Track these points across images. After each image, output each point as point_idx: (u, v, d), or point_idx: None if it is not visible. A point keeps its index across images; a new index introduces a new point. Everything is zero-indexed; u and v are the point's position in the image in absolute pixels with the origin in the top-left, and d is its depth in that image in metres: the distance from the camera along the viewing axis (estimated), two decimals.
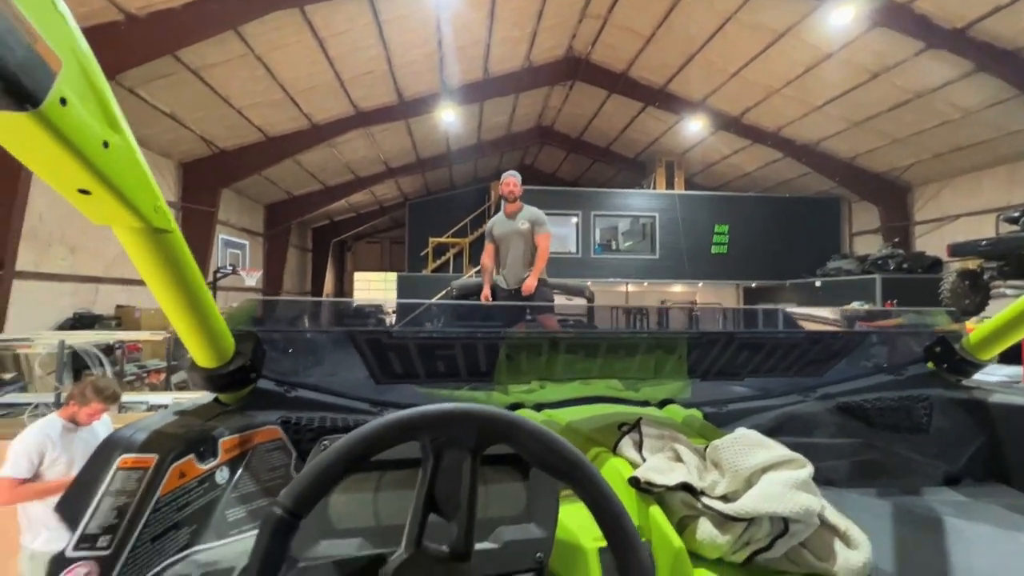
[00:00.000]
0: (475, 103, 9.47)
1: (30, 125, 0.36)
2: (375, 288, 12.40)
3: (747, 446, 0.74)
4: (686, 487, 0.72)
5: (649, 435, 0.86)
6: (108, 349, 4.25)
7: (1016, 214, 5.74)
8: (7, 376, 4.82)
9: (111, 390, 2.23)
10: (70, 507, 0.57)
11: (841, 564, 0.63)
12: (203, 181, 8.24)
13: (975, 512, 0.86)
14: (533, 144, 13.10)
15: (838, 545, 0.65)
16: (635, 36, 8.16)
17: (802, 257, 10.64)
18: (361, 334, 0.92)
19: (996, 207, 7.61)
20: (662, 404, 1.15)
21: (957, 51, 6.18)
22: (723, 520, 0.67)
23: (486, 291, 3.39)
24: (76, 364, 4.16)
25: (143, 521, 0.57)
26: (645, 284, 11.38)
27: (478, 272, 3.44)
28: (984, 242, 6.47)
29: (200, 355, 0.68)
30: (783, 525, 0.65)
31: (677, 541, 0.63)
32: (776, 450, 0.72)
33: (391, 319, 1.37)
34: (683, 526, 0.71)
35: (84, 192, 0.43)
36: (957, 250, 6.67)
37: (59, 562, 0.53)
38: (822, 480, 0.84)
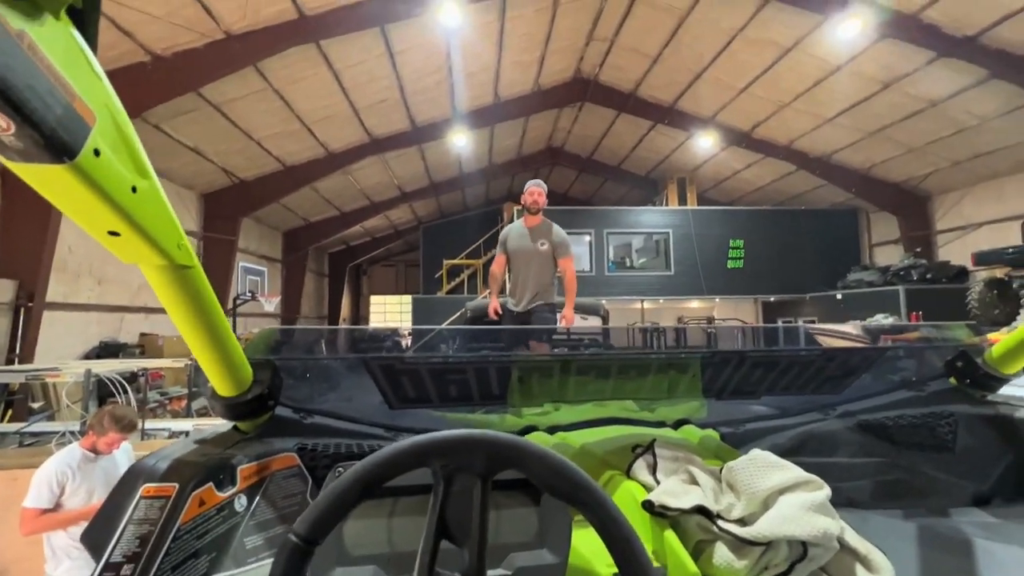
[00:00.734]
0: (486, 127, 9.64)
1: (66, 176, 0.39)
2: (391, 311, 12.50)
3: (762, 467, 0.73)
4: (701, 510, 0.71)
5: (663, 457, 0.86)
6: (132, 377, 4.35)
7: None
8: (36, 405, 4.94)
9: (128, 419, 2.26)
10: (95, 536, 0.59)
11: None
12: (223, 210, 8.49)
13: (1006, 533, 0.82)
14: (544, 165, 13.24)
15: (859, 570, 0.63)
16: (642, 56, 8.27)
17: (821, 269, 10.46)
18: (375, 360, 0.94)
19: (1020, 214, 7.43)
20: (677, 425, 1.14)
21: (970, 59, 6.12)
22: (740, 544, 0.66)
23: (494, 303, 3.16)
24: (101, 392, 4.25)
25: (164, 549, 0.59)
26: (661, 301, 11.28)
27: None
28: (1011, 250, 6.30)
29: (220, 384, 0.70)
30: (802, 549, 0.64)
31: (692, 567, 0.63)
32: (792, 471, 0.71)
33: (406, 342, 1.39)
34: (699, 551, 0.70)
35: (114, 234, 0.46)
36: (983, 258, 6.50)
37: None
38: (843, 501, 0.82)
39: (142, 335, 7.25)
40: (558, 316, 3.23)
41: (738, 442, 1.07)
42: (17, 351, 5.17)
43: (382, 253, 16.64)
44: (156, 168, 0.48)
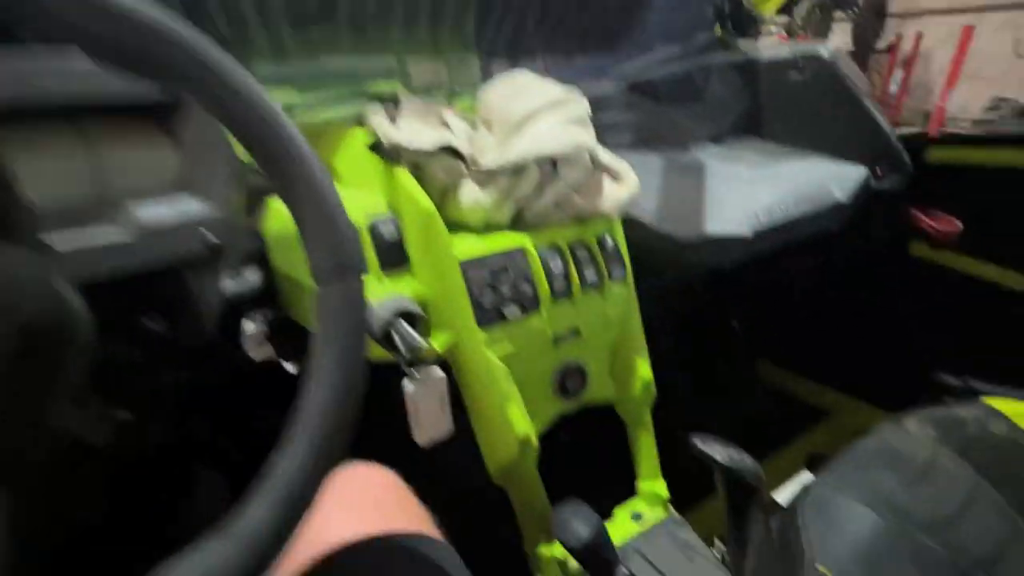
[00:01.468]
0: None
1: None
2: None
3: (520, 88, 0.59)
4: (449, 151, 0.56)
5: (410, 107, 0.67)
6: None
7: None
8: None
9: None
10: None
11: (608, 199, 0.57)
12: None
13: (728, 157, 0.90)
14: None
15: (607, 183, 0.58)
16: None
17: None
18: None
19: None
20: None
21: None
22: (488, 176, 0.55)
23: None
24: None
25: None
26: None
27: None
28: None
29: None
30: (552, 167, 0.55)
31: (426, 203, 0.50)
32: (552, 90, 0.59)
33: None
34: (444, 198, 0.58)
35: None
36: None
37: None
38: None
39: None
40: None
41: None
42: None
43: None
44: None
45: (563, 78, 1.09)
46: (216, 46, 0.24)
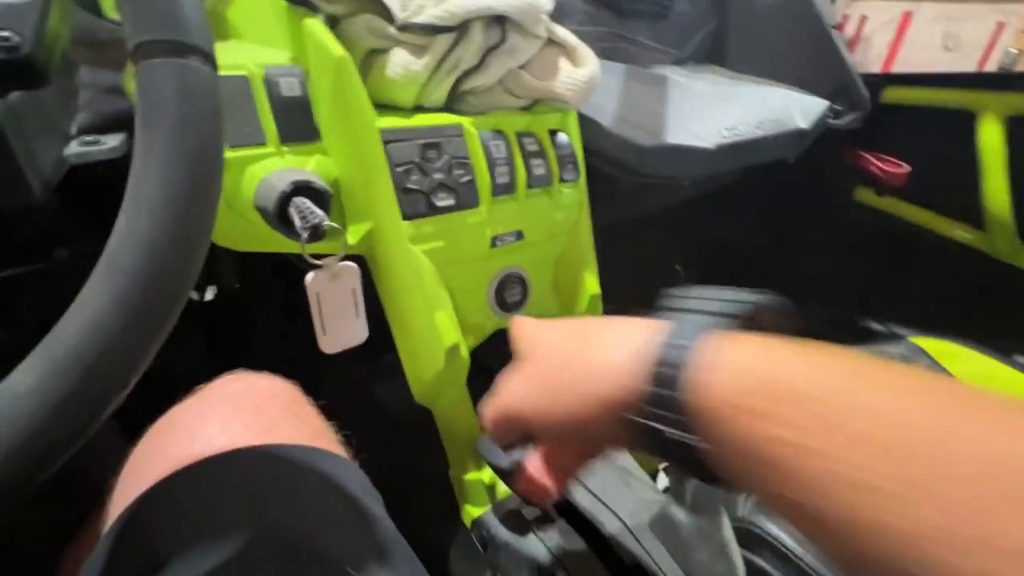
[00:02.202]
0: None
1: None
2: None
3: None
4: (374, 0, 0.45)
5: None
6: None
7: None
8: None
9: None
10: None
11: (564, 80, 0.49)
12: None
13: (691, 77, 0.84)
14: None
15: (564, 63, 0.50)
16: None
17: None
18: None
19: None
20: None
21: None
22: (421, 40, 0.45)
23: None
24: None
25: None
26: None
27: None
28: None
29: None
30: (500, 33, 0.46)
31: (337, 49, 0.40)
32: None
33: None
34: (369, 65, 0.48)
35: None
36: None
37: None
38: None
39: None
40: None
41: None
42: None
43: None
44: None
45: None
46: None
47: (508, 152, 0.48)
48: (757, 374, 0.20)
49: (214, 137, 0.20)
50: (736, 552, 0.43)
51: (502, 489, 0.48)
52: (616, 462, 0.51)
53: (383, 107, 0.46)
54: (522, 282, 0.52)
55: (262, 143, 0.39)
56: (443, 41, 0.45)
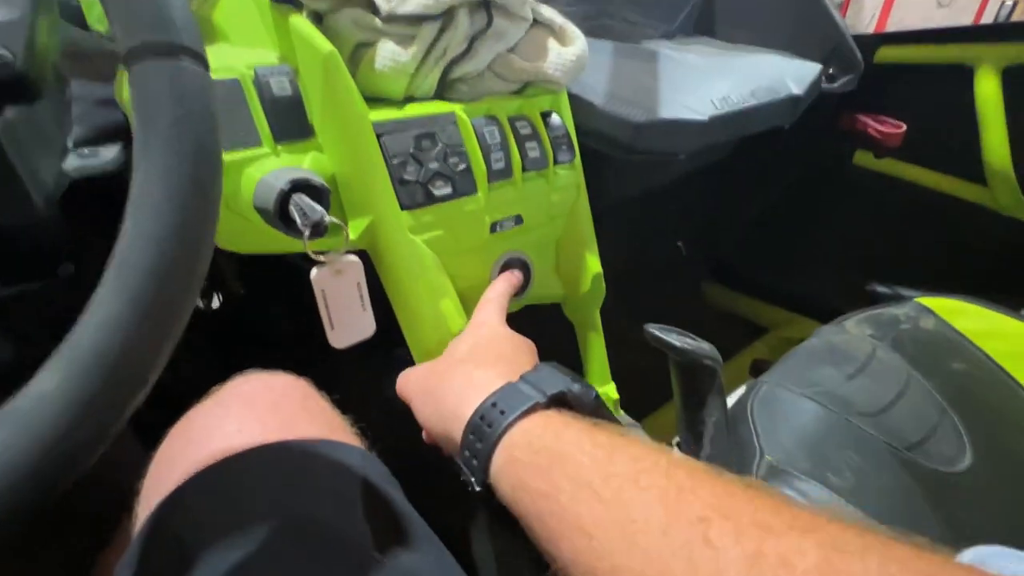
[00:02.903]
0: None
1: None
2: None
3: None
4: None
5: None
6: None
7: None
8: None
9: None
10: None
11: (553, 60, 0.49)
12: None
13: (681, 50, 0.84)
14: None
15: (551, 43, 0.50)
16: None
17: None
18: None
19: None
20: None
21: None
22: (408, 30, 0.45)
23: None
24: None
25: None
26: None
27: None
28: None
29: None
30: (486, 18, 0.46)
31: (324, 45, 0.40)
32: None
33: None
34: (358, 59, 0.48)
35: None
36: None
37: None
38: None
39: None
40: None
41: None
42: None
43: None
44: None
45: None
46: None
47: (502, 137, 0.48)
48: (534, 435, 0.26)
49: (211, 134, 0.20)
50: None
51: None
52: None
53: (374, 100, 0.46)
54: (524, 265, 0.52)
55: (257, 144, 0.39)
56: (429, 29, 0.45)
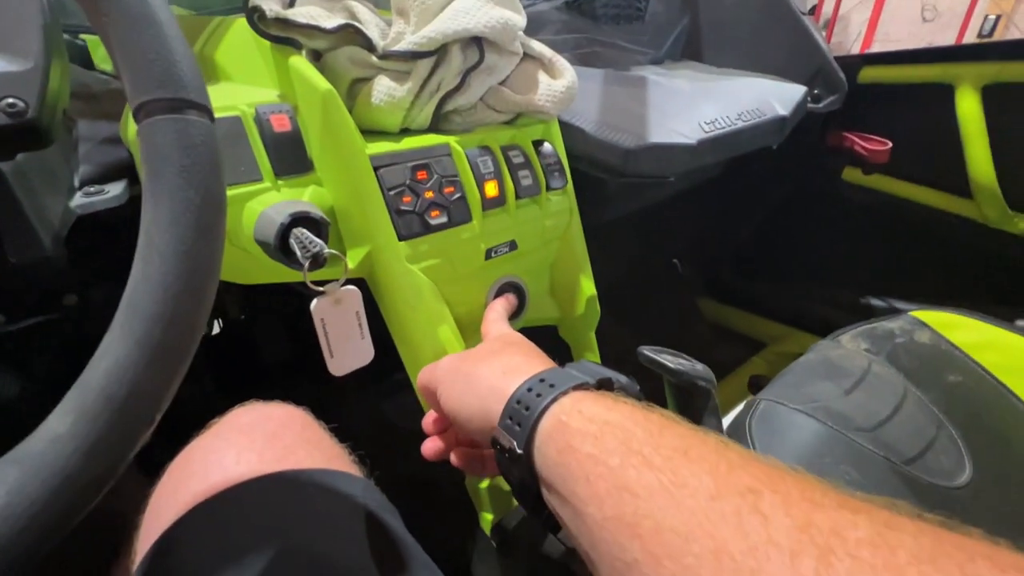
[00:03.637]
0: None
1: None
2: None
3: None
4: (353, 31, 0.47)
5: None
6: None
7: None
8: None
9: None
10: None
11: (543, 92, 0.51)
12: None
13: (669, 76, 0.86)
14: None
15: (541, 76, 0.52)
16: None
17: None
18: None
19: None
20: None
21: None
22: (403, 67, 0.47)
23: None
24: None
25: None
26: None
27: None
28: None
29: None
30: (478, 53, 0.47)
31: (322, 83, 0.41)
32: None
33: None
34: (355, 94, 0.49)
35: None
36: None
37: None
38: None
39: None
40: None
41: None
42: None
43: None
44: None
45: None
46: None
47: (495, 166, 0.49)
48: (585, 404, 0.26)
49: (216, 185, 0.21)
50: None
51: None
52: None
53: (371, 133, 0.48)
54: (519, 290, 0.53)
55: (258, 179, 0.41)
56: (424, 66, 0.47)
